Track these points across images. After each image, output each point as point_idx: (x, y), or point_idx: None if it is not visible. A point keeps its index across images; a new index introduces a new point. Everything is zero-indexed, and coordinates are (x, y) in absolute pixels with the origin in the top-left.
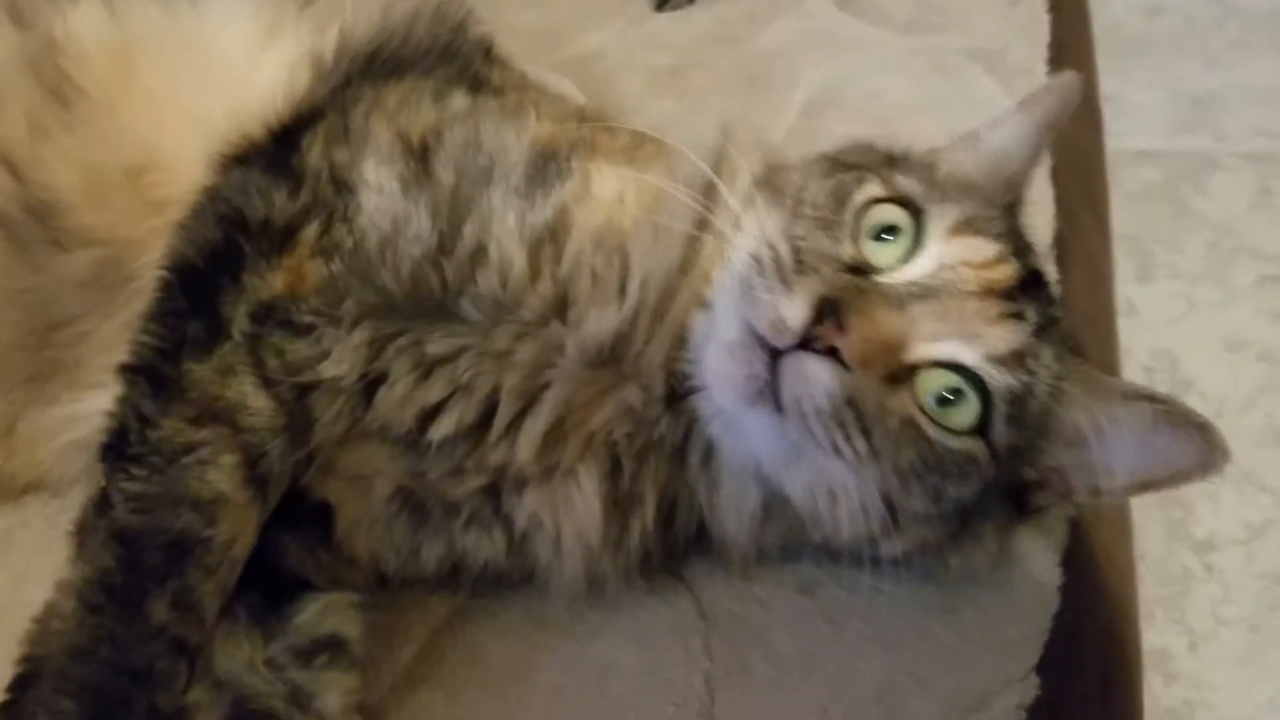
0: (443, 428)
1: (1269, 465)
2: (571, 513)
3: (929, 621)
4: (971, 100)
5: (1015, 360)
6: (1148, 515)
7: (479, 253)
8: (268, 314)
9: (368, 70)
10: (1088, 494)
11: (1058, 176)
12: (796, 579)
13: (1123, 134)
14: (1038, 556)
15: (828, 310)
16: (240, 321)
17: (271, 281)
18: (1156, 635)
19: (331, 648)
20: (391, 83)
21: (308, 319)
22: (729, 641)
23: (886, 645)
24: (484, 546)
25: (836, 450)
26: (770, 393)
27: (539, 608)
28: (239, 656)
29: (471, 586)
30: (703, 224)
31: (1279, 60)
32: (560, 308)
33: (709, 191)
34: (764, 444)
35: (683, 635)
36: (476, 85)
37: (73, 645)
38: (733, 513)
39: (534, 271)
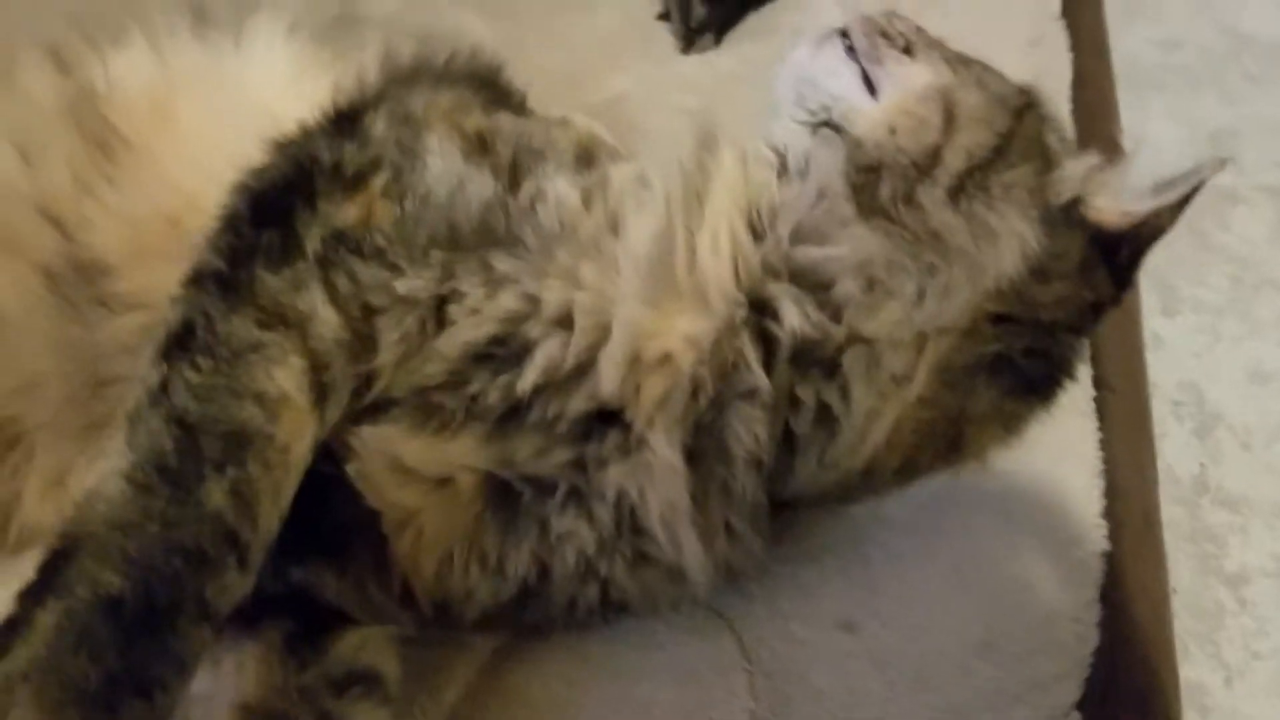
0: (530, 375)
1: None
2: (653, 480)
3: (970, 658)
4: None
5: None
6: (1179, 549)
7: (538, 197)
8: (340, 240)
9: (415, 79)
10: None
11: None
12: (837, 616)
13: (1143, 169)
14: (1075, 593)
15: None
16: (314, 243)
17: (345, 211)
18: (1191, 670)
19: (366, 681)
20: (443, 87)
21: (380, 244)
22: (771, 679)
23: (928, 683)
24: (582, 531)
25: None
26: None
27: (581, 647)
28: (271, 681)
29: (544, 610)
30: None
31: None
32: (614, 228)
33: None
34: (836, 73)
35: (725, 673)
36: (518, 112)
37: (120, 519)
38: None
39: (587, 208)
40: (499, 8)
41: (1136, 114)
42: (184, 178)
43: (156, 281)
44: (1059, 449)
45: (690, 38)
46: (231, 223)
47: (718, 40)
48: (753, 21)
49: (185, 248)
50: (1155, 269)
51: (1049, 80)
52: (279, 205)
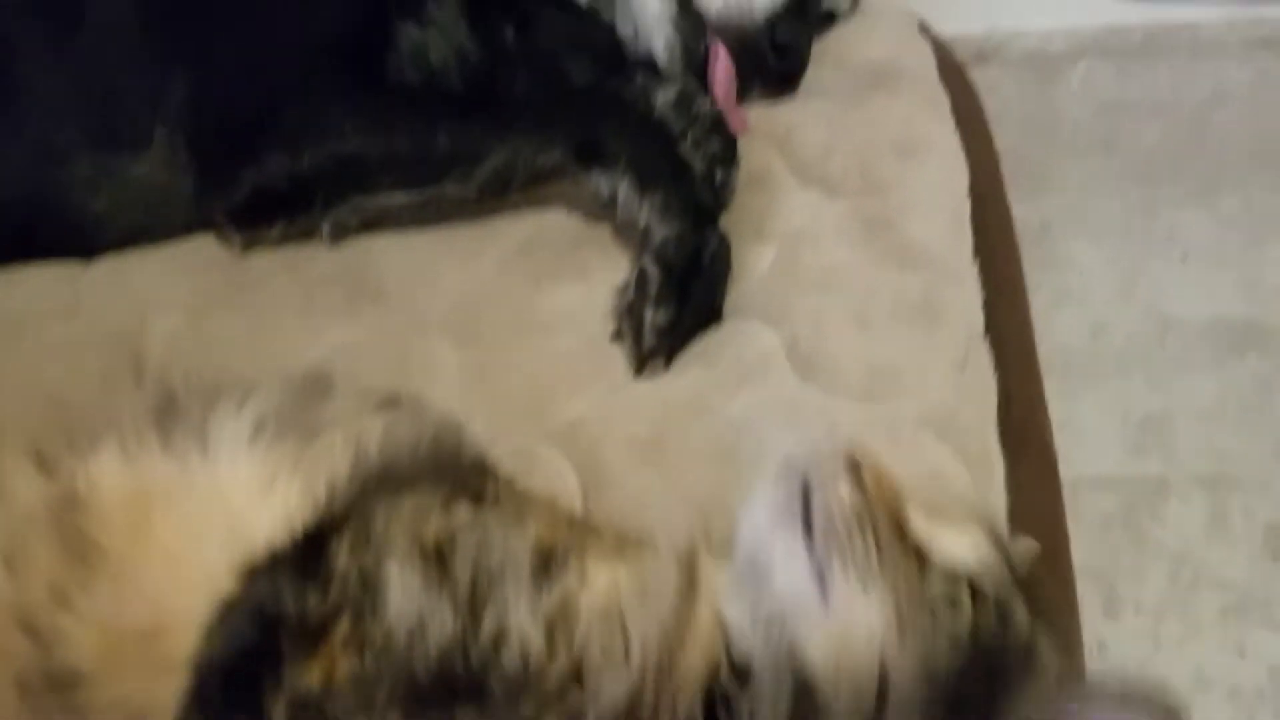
0: None
1: None
2: None
3: None
4: (928, 472)
5: None
6: None
7: (500, 636)
8: (304, 707)
9: (380, 488)
10: None
11: (1015, 523)
12: None
13: (1078, 461)
14: None
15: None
16: (279, 716)
17: (308, 676)
18: None
19: None
20: (404, 494)
21: (340, 711)
22: None
23: None
24: None
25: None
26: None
27: None
28: None
29: None
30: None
31: (1217, 375)
32: (578, 677)
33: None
34: (789, 561)
35: None
36: (477, 499)
37: None
38: None
39: (551, 649)
40: (463, 335)
41: (1067, 404)
42: (160, 591)
43: (131, 692)
44: None
45: (643, 360)
46: (203, 702)
47: (667, 364)
48: (699, 346)
49: (161, 659)
50: (1096, 568)
51: (975, 404)
52: (247, 680)
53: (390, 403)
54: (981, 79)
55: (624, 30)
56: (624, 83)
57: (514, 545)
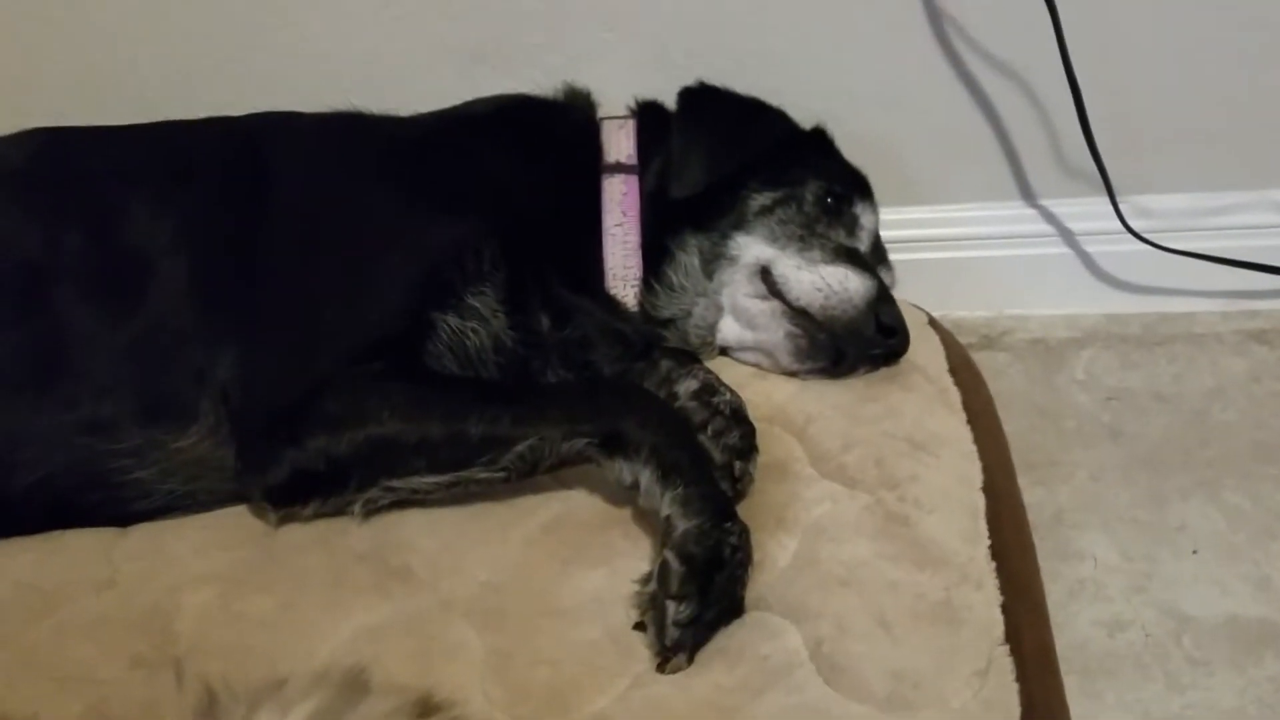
0: None
1: None
2: None
3: None
4: None
5: None
6: None
7: None
8: None
9: None
10: None
11: None
12: None
13: None
14: None
15: None
16: None
17: None
18: None
19: None
20: None
21: None
22: None
23: None
24: None
25: None
26: None
27: None
28: None
29: None
30: None
31: (1235, 676)
32: None
33: None
34: None
35: None
36: None
37: None
38: None
39: None
40: (488, 619)
41: (1090, 704)
42: None
43: None
44: None
45: (666, 655)
46: None
47: (690, 659)
48: (722, 640)
49: None
50: None
51: (999, 715)
52: None
53: (427, 708)
54: (988, 363)
55: (701, 321)
56: (649, 369)
57: None
